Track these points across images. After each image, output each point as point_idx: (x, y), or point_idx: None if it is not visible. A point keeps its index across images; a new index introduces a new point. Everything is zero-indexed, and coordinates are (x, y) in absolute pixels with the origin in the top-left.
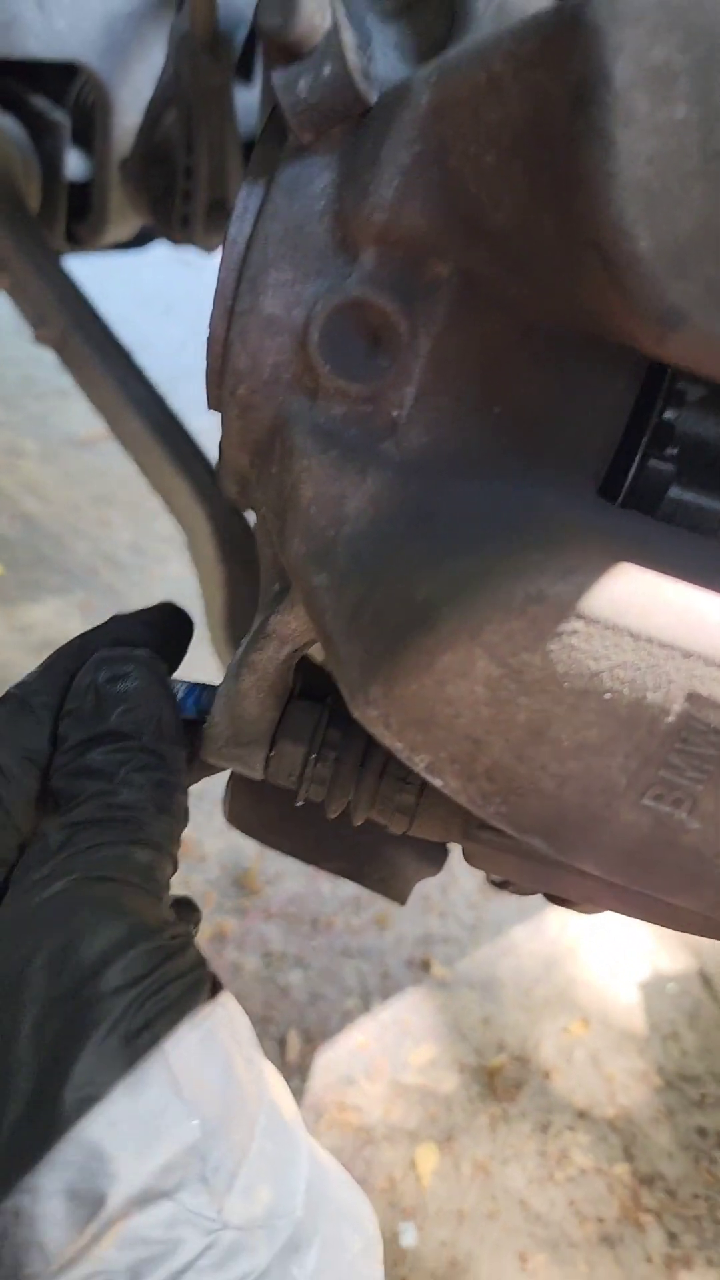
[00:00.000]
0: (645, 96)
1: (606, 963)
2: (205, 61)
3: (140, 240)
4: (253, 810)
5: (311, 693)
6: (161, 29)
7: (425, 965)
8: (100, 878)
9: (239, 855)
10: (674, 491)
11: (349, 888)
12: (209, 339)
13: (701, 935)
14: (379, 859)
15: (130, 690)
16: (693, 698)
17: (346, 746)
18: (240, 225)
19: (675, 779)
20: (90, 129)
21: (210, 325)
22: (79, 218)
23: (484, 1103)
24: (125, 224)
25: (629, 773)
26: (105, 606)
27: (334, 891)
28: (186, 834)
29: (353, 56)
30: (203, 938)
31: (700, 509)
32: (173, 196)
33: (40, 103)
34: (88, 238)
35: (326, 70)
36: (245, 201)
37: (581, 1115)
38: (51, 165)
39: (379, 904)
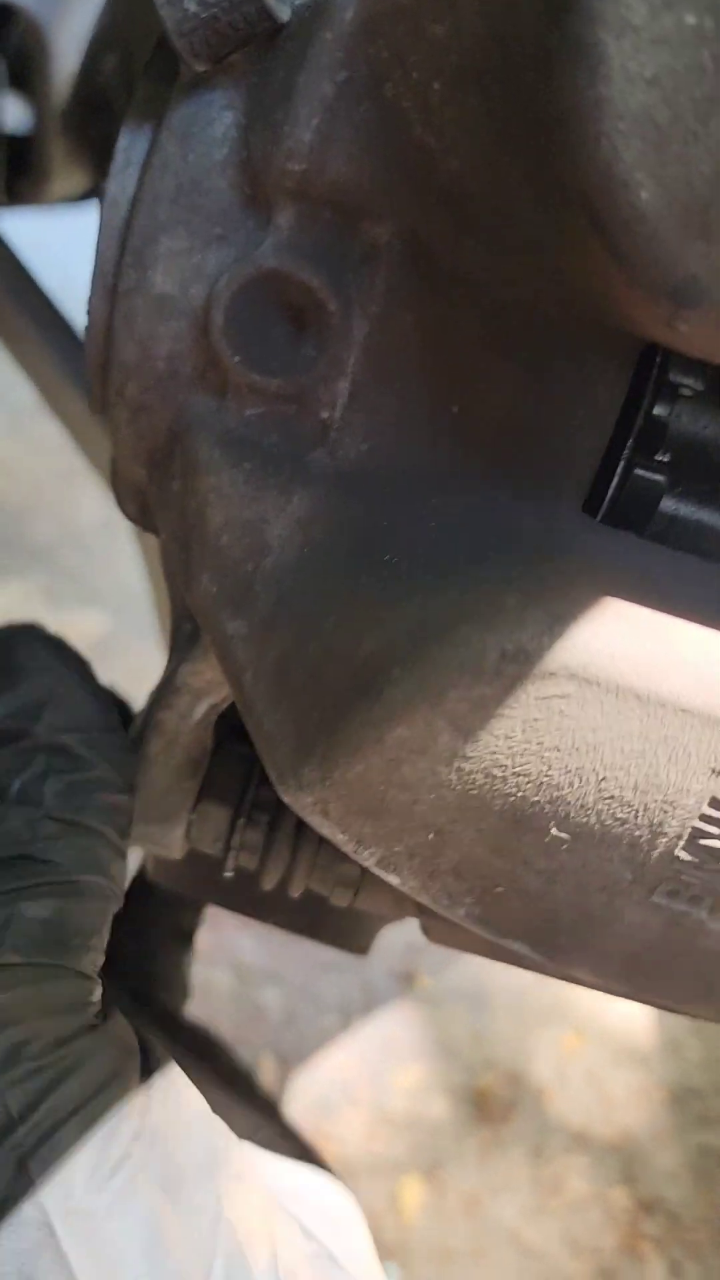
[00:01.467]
0: None
1: None
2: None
3: (92, 195)
4: (179, 866)
5: (241, 732)
6: None
7: (410, 977)
8: None
9: None
10: (667, 504)
11: None
12: (88, 326)
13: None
14: (335, 911)
15: (19, 668)
16: (718, 774)
17: (281, 807)
18: (122, 181)
19: (693, 872)
20: (30, 76)
21: (88, 308)
22: (20, 172)
23: (474, 1127)
24: (72, 178)
25: (635, 866)
26: (69, 590)
27: None
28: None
29: None
30: None
31: (699, 525)
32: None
33: None
34: (29, 193)
35: None
36: (127, 151)
37: (578, 1137)
38: None
39: None
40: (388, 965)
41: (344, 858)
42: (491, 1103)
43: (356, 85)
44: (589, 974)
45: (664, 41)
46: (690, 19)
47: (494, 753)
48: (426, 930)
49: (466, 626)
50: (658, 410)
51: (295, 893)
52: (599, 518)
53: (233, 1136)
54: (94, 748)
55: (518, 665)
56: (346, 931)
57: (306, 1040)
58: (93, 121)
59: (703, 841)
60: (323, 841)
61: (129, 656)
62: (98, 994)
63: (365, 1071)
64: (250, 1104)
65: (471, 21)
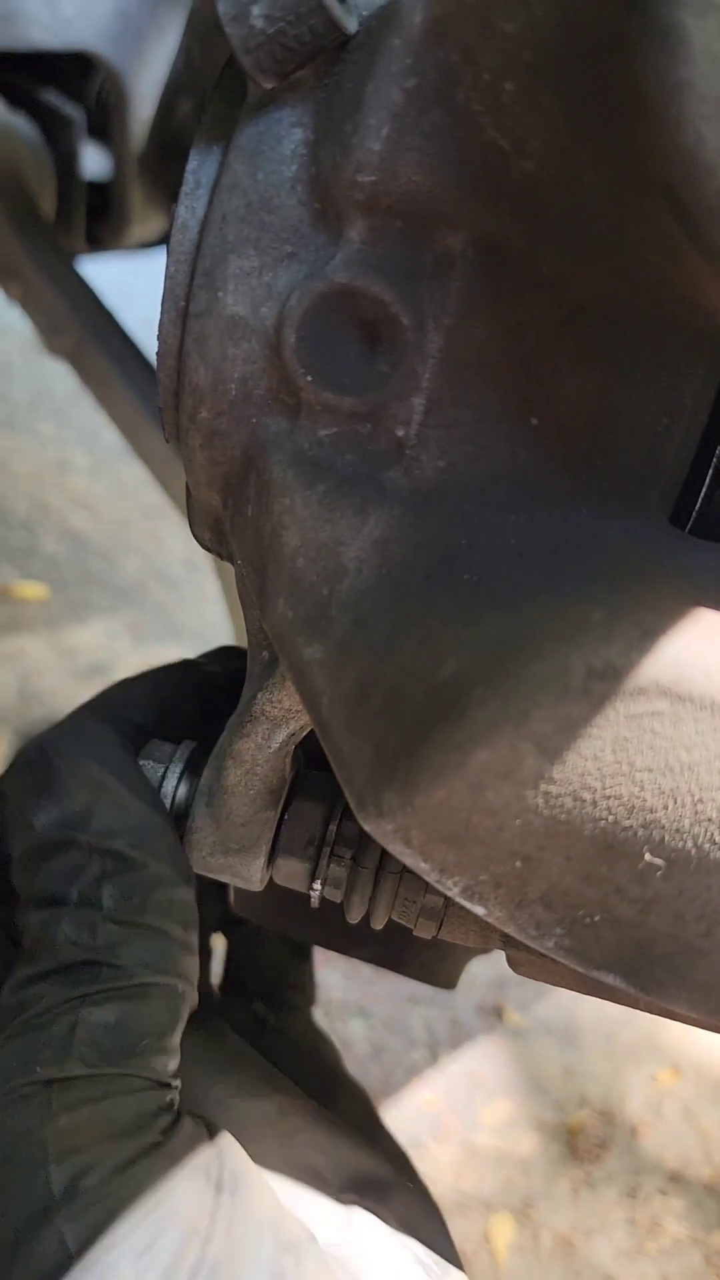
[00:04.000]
0: None
1: None
2: (217, 40)
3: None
4: (262, 899)
5: (321, 760)
6: (180, 12)
7: (499, 1011)
8: (30, 1091)
9: None
10: None
11: None
12: (159, 351)
13: None
14: (419, 944)
15: (60, 779)
16: None
17: (365, 843)
18: (191, 204)
19: None
20: (110, 124)
21: (159, 333)
22: (101, 218)
23: (565, 1165)
24: (150, 223)
25: None
26: (155, 626)
27: None
28: None
29: None
30: None
31: None
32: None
33: (52, 98)
34: (110, 238)
35: None
36: (196, 174)
37: (674, 1177)
38: (67, 164)
39: None
40: (476, 1000)
41: (428, 888)
42: (583, 1140)
43: (426, 91)
44: (687, 1007)
45: None
46: None
47: (583, 775)
48: (513, 963)
49: (550, 644)
50: None
51: (379, 925)
52: (688, 528)
53: (306, 1248)
54: (144, 848)
55: (606, 682)
56: (432, 965)
57: (393, 1075)
58: (169, 166)
59: None
60: (406, 872)
61: None
62: (170, 1097)
63: (453, 1107)
64: (372, 1155)
65: (545, 13)
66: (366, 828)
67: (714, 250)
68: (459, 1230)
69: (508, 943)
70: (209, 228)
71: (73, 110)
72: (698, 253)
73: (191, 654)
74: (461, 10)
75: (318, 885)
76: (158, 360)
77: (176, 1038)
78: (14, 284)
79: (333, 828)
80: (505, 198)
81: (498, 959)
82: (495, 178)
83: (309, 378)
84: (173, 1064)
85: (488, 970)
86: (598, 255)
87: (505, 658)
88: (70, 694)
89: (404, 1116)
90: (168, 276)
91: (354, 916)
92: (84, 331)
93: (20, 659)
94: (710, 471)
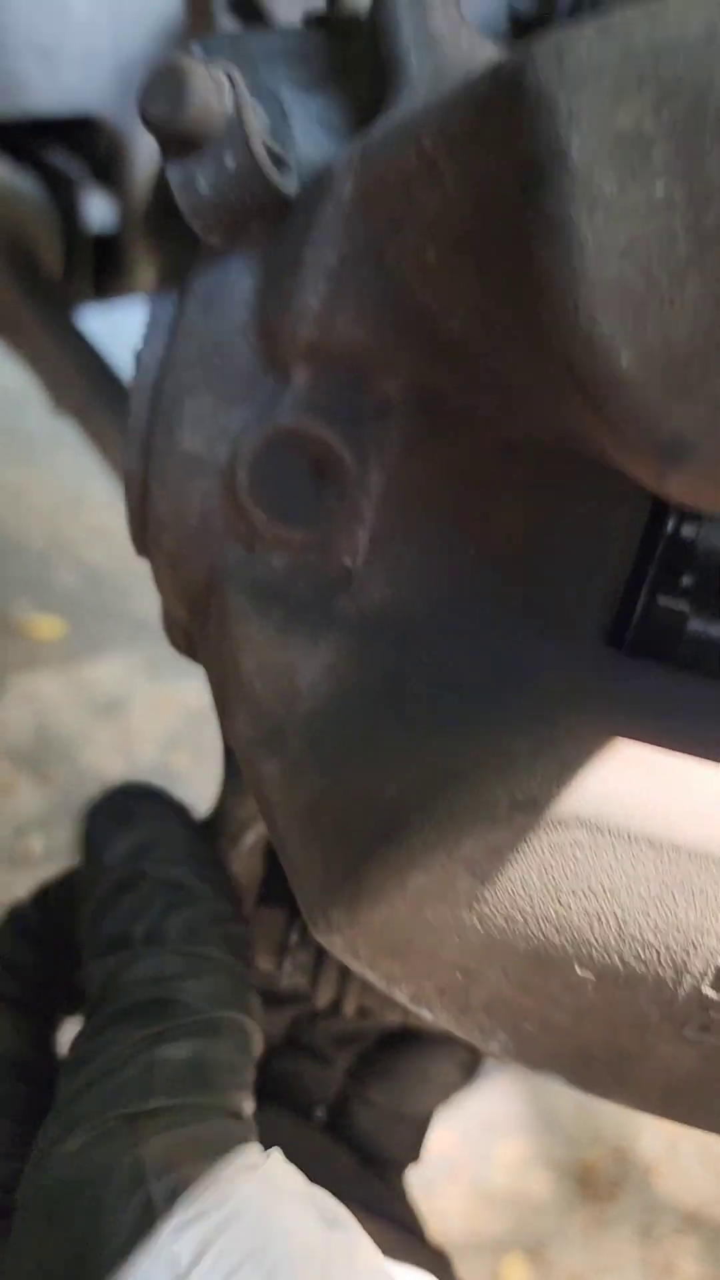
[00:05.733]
0: (613, 173)
1: None
2: None
3: None
4: None
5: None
6: None
7: None
8: (115, 1125)
9: None
10: (696, 625)
11: None
12: (125, 479)
13: None
14: None
15: (133, 814)
16: None
17: None
18: (151, 346)
19: None
20: (114, 178)
21: (124, 462)
22: (106, 268)
23: (578, 1204)
24: (152, 272)
25: (663, 1004)
26: (172, 661)
27: None
28: None
29: (259, 143)
30: None
31: None
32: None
33: (57, 157)
34: (116, 287)
35: (230, 162)
36: (155, 316)
37: (689, 1217)
38: (71, 220)
39: None
40: None
41: None
42: (597, 1179)
43: (357, 253)
44: (630, 1105)
45: (634, 213)
46: (659, 190)
47: (512, 896)
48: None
49: (479, 773)
50: (685, 530)
51: (349, 1011)
52: (624, 648)
53: None
54: (203, 879)
55: (528, 813)
56: None
57: None
58: (171, 222)
59: None
60: None
61: None
62: (253, 1136)
63: (466, 1146)
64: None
65: (458, 195)
66: (318, 939)
67: (611, 421)
68: (471, 1270)
69: None
70: (167, 370)
71: (76, 168)
72: (599, 421)
73: (205, 688)
74: (386, 183)
75: (287, 963)
76: (124, 487)
77: (250, 1075)
78: (21, 342)
79: (299, 920)
80: (435, 350)
81: None
82: (425, 333)
83: (262, 512)
84: (249, 1104)
85: None
86: (521, 406)
87: (439, 786)
88: (87, 731)
89: None
90: (131, 413)
91: (322, 1001)
92: (89, 391)
93: (37, 696)
94: (643, 595)
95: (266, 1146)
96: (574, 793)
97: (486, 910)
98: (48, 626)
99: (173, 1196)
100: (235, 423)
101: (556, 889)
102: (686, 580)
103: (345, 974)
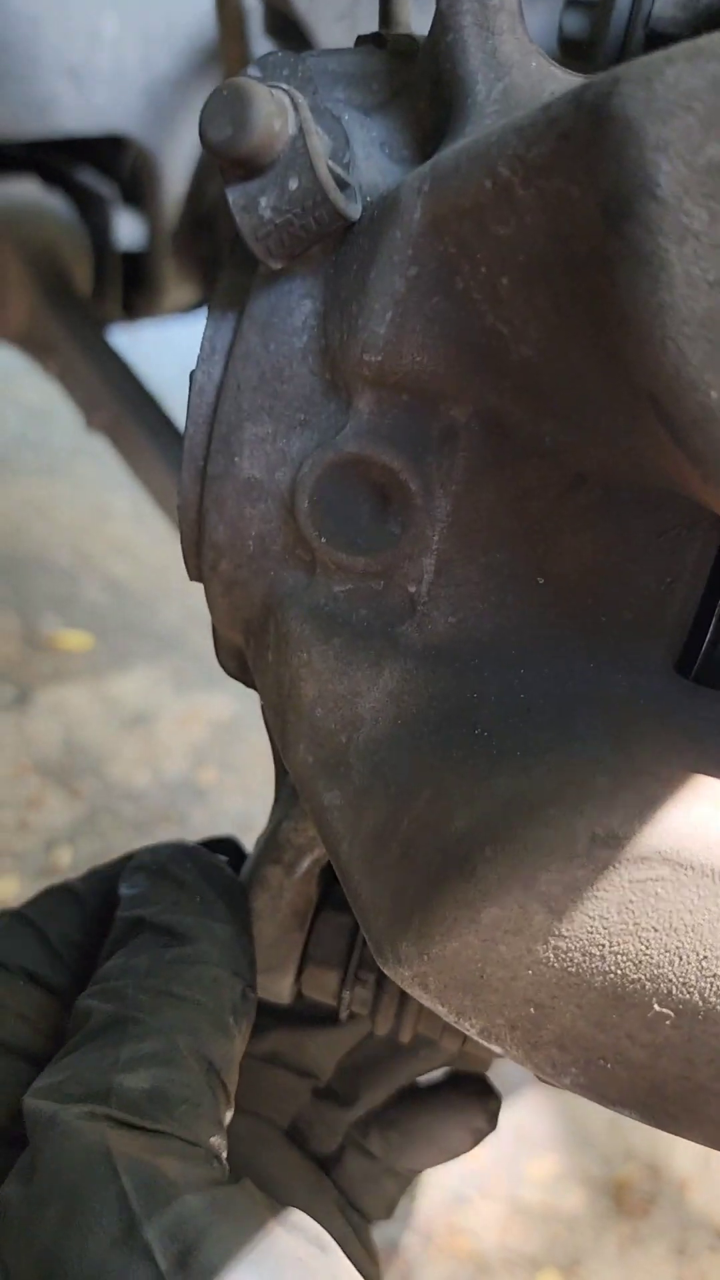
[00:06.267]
0: (704, 204)
1: None
2: None
3: (199, 306)
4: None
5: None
6: (209, 87)
7: None
8: (79, 1121)
9: None
10: None
11: None
12: (180, 505)
13: None
14: None
15: (173, 876)
16: None
17: None
18: (208, 370)
19: None
20: (143, 197)
21: (180, 489)
22: (136, 287)
23: (612, 1221)
24: (182, 291)
25: None
26: (196, 674)
27: None
28: None
29: (324, 166)
30: None
31: None
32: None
33: (87, 177)
34: (145, 307)
35: (293, 184)
36: (213, 340)
37: None
38: (102, 239)
39: None
40: None
41: None
42: (631, 1195)
43: (427, 279)
44: (701, 1140)
45: None
46: None
47: (590, 932)
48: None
49: (556, 809)
50: None
51: (405, 1039)
52: (692, 676)
53: None
54: (200, 931)
55: (609, 850)
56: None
57: None
58: (200, 240)
59: None
60: None
61: (253, 737)
62: (218, 1166)
63: (499, 1162)
64: None
65: (534, 224)
66: (386, 972)
67: (700, 459)
68: None
69: None
70: (225, 394)
71: (106, 188)
72: (685, 459)
73: (231, 701)
74: (458, 210)
75: (346, 995)
76: (179, 513)
77: (220, 1115)
78: (52, 360)
79: (356, 953)
80: (506, 377)
81: None
82: (496, 359)
83: (323, 539)
84: (218, 1139)
85: None
86: (594, 435)
87: (513, 818)
88: (114, 744)
89: (450, 1172)
90: (187, 437)
91: (381, 1030)
92: (120, 407)
93: (64, 709)
94: (714, 622)
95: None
96: (657, 828)
97: (563, 945)
98: (75, 640)
99: (148, 1190)
100: (296, 448)
101: (637, 925)
102: None
103: (401, 1006)
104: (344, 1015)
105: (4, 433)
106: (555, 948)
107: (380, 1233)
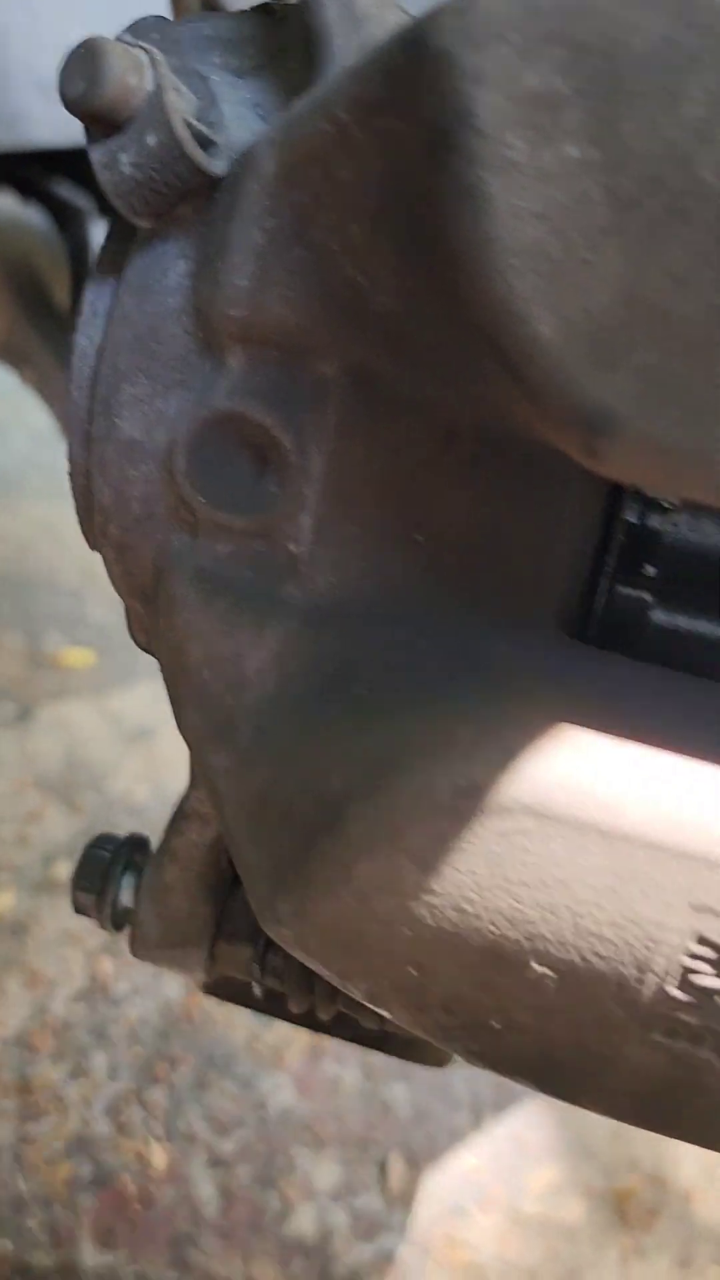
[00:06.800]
0: (522, 135)
1: None
2: None
3: None
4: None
5: None
6: None
7: None
8: None
9: None
10: (660, 617)
11: None
12: (70, 472)
13: None
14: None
15: None
16: (700, 910)
17: None
18: (89, 333)
19: (691, 1012)
20: None
21: (68, 453)
22: None
23: (614, 1233)
24: None
25: (627, 1004)
26: None
27: None
28: None
29: (179, 120)
30: (298, 1049)
31: (698, 638)
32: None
33: (63, 189)
34: None
35: (151, 140)
36: (93, 304)
37: None
38: (79, 251)
39: None
40: None
41: None
42: (633, 1207)
43: (285, 231)
44: (604, 1110)
45: (547, 176)
46: (573, 151)
47: (461, 888)
48: None
49: (420, 760)
50: (651, 521)
51: (325, 1015)
52: (589, 638)
53: None
54: None
55: (471, 800)
56: (412, 1044)
57: (437, 1139)
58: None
59: (695, 979)
60: None
61: None
62: None
63: (498, 1173)
64: None
65: (372, 166)
66: (269, 934)
67: (535, 393)
68: None
69: None
70: (104, 357)
71: (83, 200)
72: (521, 395)
73: None
74: (307, 158)
75: (256, 969)
76: (70, 478)
77: None
78: (29, 370)
79: None
80: (369, 329)
81: None
82: (358, 311)
83: (202, 498)
84: None
85: None
86: (457, 385)
87: (382, 774)
88: (115, 759)
89: (448, 1183)
90: (70, 401)
91: (297, 1007)
92: None
93: (68, 725)
94: (603, 581)
95: None
96: (518, 778)
97: (436, 902)
98: (78, 657)
99: None
100: (173, 408)
101: (506, 880)
102: (650, 571)
103: (316, 984)
104: (258, 992)
105: (12, 456)
106: (429, 904)
107: (376, 1244)
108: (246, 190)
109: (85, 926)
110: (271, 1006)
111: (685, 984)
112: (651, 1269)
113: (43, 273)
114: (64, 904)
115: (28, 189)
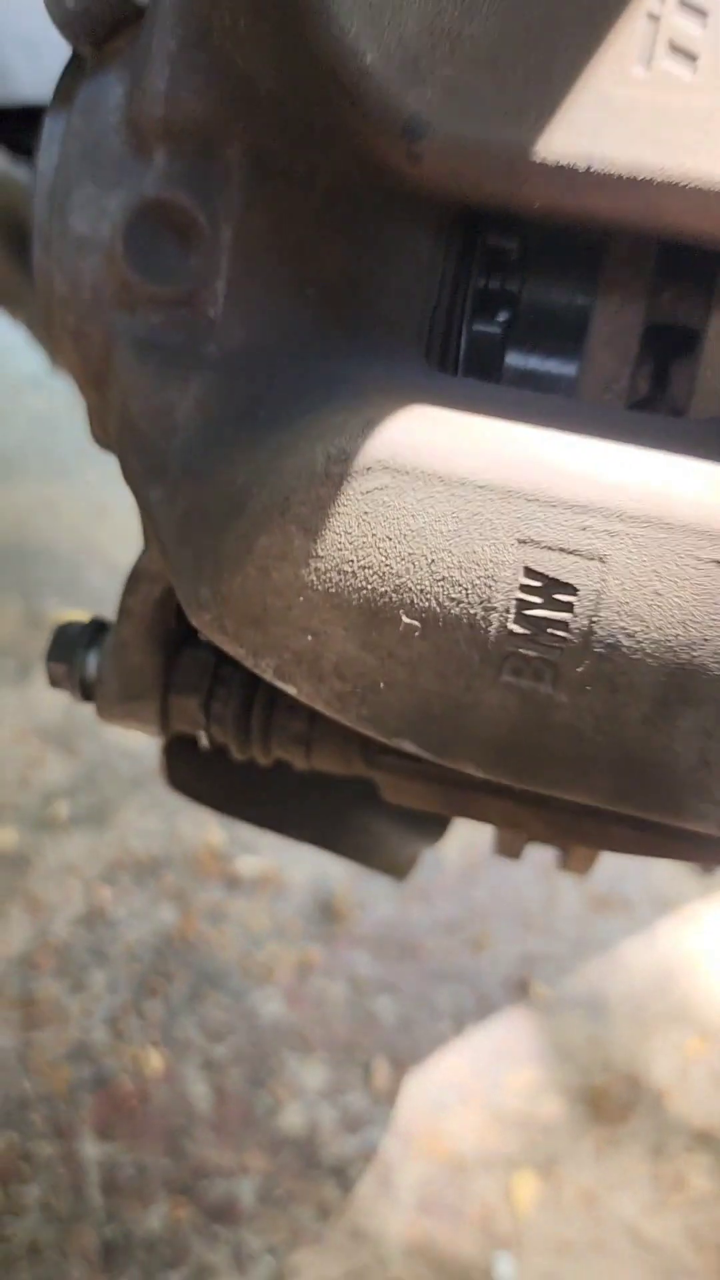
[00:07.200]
0: None
1: None
2: None
3: None
4: (197, 776)
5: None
6: None
7: (524, 986)
8: None
9: (326, 881)
10: (514, 358)
11: (443, 910)
12: (35, 272)
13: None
14: (351, 826)
15: None
16: (524, 544)
17: (242, 680)
18: (48, 155)
19: (529, 645)
20: None
21: (33, 262)
22: None
23: (590, 1126)
24: None
25: (479, 645)
26: None
27: (427, 914)
28: (268, 864)
29: None
30: (288, 966)
31: (547, 375)
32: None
33: None
34: None
35: None
36: (50, 131)
37: (701, 1136)
38: None
39: (474, 925)
40: (502, 974)
41: (291, 716)
42: (608, 1103)
43: (192, 39)
44: (475, 765)
45: None
46: None
47: (340, 549)
48: (382, 788)
49: (305, 441)
50: (509, 285)
51: (266, 760)
52: (458, 371)
53: None
54: None
55: (340, 465)
56: (368, 848)
57: (420, 1046)
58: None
59: (529, 612)
60: (272, 704)
61: None
62: None
63: (478, 1074)
64: None
65: None
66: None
67: (368, 111)
68: (482, 1186)
69: (367, 764)
70: (59, 170)
71: None
72: (359, 117)
73: None
74: None
75: (202, 718)
76: (37, 291)
77: None
78: (18, 310)
79: (210, 675)
80: (259, 111)
81: (524, 939)
82: (249, 97)
83: (136, 274)
84: None
85: (514, 947)
86: (328, 146)
87: (275, 460)
88: (122, 743)
89: (430, 1083)
90: (35, 212)
91: (240, 753)
92: None
93: None
94: (462, 321)
95: None
96: (376, 442)
97: (321, 566)
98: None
99: None
100: (114, 204)
101: (374, 535)
102: (502, 316)
103: (249, 720)
104: (205, 743)
105: (13, 438)
106: (315, 569)
107: (359, 1136)
108: (161, 7)
109: (84, 858)
110: (236, 802)
111: (520, 618)
112: (626, 1156)
113: (24, 218)
114: (64, 839)
115: (15, 145)
